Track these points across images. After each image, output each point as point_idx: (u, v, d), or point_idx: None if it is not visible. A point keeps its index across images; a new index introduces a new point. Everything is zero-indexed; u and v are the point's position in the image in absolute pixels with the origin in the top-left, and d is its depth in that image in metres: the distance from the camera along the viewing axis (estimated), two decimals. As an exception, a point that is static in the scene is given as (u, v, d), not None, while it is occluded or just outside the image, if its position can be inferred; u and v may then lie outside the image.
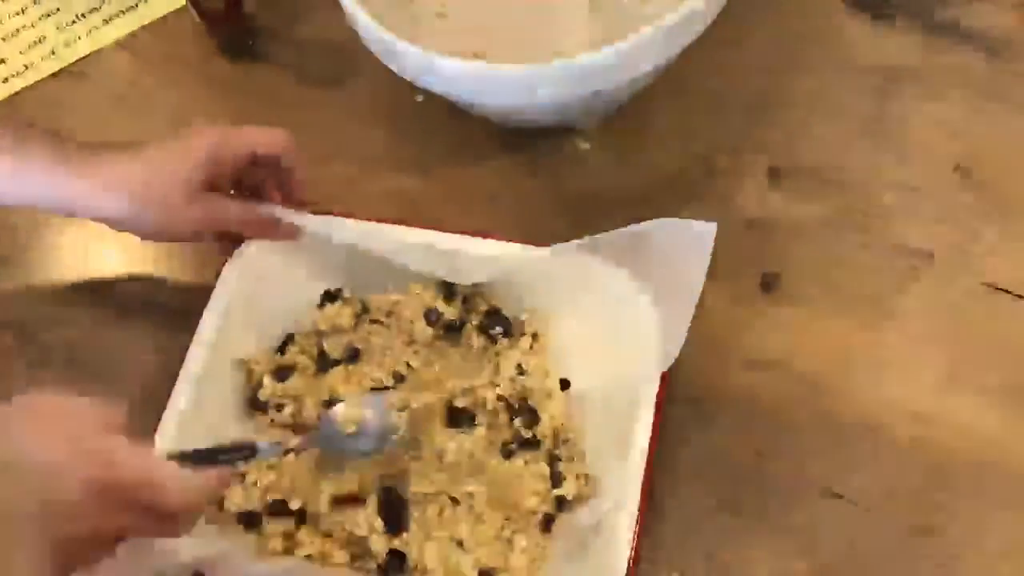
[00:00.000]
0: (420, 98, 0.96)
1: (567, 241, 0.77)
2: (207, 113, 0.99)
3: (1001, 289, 0.81)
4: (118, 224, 0.79)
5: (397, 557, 0.73)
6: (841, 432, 0.77)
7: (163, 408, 0.75)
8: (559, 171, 0.92)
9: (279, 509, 0.75)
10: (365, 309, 0.83)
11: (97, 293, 0.91)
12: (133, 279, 0.91)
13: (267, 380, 0.79)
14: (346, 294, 0.83)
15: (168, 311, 0.87)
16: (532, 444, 0.75)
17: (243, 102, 0.99)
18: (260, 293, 0.82)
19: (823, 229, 0.86)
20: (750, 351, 0.81)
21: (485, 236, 0.79)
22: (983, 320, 0.81)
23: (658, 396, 0.72)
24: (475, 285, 0.80)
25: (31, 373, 0.87)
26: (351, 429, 0.74)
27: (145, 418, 0.74)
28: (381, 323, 0.82)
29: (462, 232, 0.79)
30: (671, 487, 0.75)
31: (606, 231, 0.76)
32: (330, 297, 0.83)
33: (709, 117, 0.93)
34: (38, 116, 0.99)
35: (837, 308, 0.82)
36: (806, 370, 0.79)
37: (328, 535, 0.74)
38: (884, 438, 0.76)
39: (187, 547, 0.69)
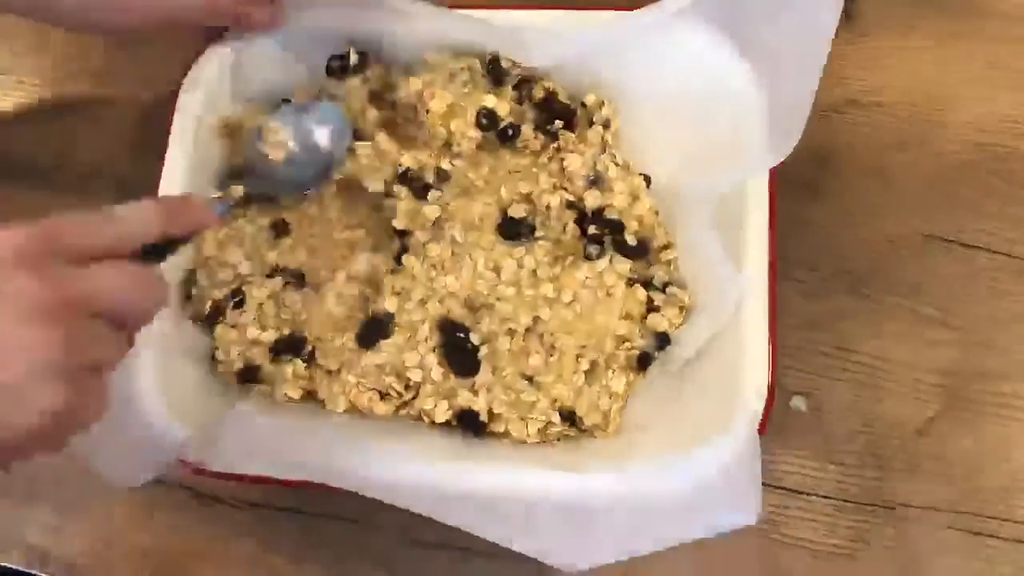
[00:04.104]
0: None
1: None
2: None
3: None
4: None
5: (465, 413, 0.58)
6: (954, 173, 0.66)
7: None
8: None
9: (287, 345, 0.60)
10: (387, 86, 0.64)
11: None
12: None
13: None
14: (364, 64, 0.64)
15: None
16: (619, 248, 0.61)
17: None
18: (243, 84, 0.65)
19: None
20: (833, 92, 0.68)
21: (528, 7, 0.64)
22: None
23: (770, 187, 0.58)
24: (525, 68, 0.64)
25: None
26: (279, 156, 0.61)
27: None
28: (412, 121, 0.64)
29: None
30: (791, 284, 0.63)
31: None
32: (340, 65, 0.64)
33: None
34: None
35: (925, 29, 0.69)
36: (902, 107, 0.67)
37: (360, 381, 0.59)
38: (1013, 172, 0.65)
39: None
